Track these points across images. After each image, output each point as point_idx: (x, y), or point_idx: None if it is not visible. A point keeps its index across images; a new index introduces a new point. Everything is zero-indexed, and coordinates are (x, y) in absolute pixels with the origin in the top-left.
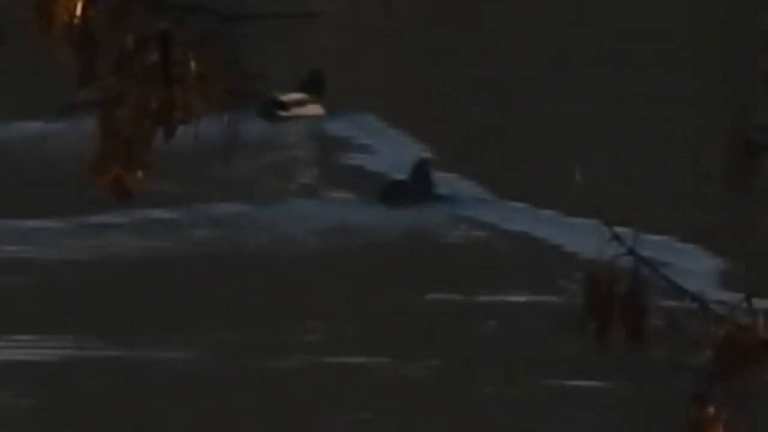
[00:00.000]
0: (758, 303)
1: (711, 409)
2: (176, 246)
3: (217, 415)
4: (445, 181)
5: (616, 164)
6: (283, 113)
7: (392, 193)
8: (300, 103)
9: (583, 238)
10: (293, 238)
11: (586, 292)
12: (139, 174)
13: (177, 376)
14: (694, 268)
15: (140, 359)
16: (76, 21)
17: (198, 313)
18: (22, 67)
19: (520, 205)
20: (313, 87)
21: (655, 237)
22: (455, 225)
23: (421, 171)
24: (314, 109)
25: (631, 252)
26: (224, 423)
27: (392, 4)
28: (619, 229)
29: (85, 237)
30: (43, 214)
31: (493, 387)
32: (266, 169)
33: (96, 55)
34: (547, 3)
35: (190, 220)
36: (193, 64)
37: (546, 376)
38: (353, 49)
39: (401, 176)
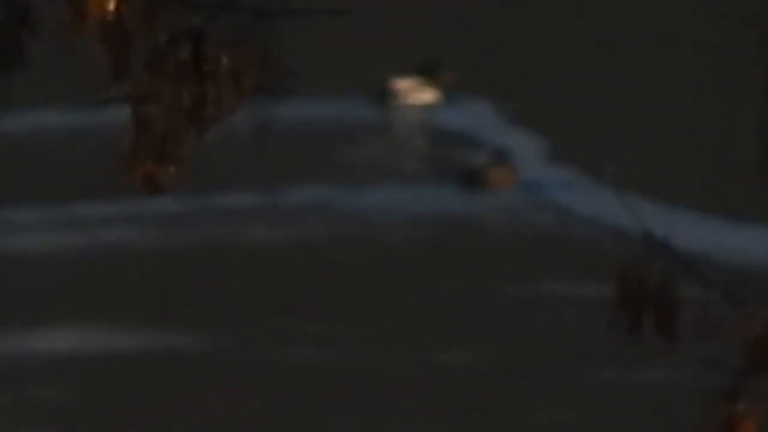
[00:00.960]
0: None
1: (742, 406)
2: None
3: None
4: (549, 169)
5: (659, 150)
6: (396, 100)
7: (472, 178)
8: (414, 91)
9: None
10: (363, 226)
11: (617, 287)
12: (172, 169)
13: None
14: (756, 249)
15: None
16: (108, 17)
17: (234, 300)
18: (53, 59)
19: (618, 193)
20: (428, 74)
21: (712, 220)
22: (533, 211)
23: (500, 157)
24: (428, 97)
25: (663, 248)
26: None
27: None
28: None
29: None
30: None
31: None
32: (367, 155)
33: (129, 52)
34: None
35: (267, 204)
36: (225, 60)
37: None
38: (467, 38)
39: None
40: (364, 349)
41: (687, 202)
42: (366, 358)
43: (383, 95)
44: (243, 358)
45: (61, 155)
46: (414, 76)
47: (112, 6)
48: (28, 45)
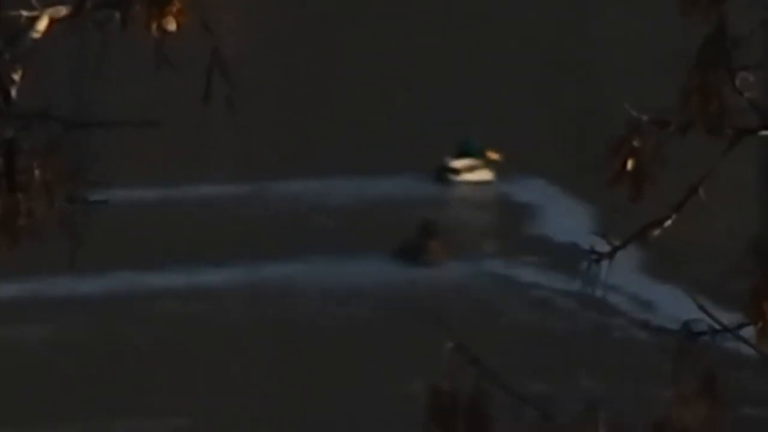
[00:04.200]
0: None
1: None
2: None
3: None
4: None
5: None
6: (454, 178)
7: (405, 252)
8: (470, 169)
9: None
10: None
11: (428, 401)
12: None
13: None
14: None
15: None
16: None
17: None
18: None
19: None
20: (471, 153)
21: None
22: (462, 285)
23: (428, 230)
24: (483, 174)
25: (475, 361)
26: None
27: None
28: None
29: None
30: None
31: None
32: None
33: None
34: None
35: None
36: (37, 171)
37: None
38: (510, 112)
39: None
40: None
41: None
42: None
43: (443, 173)
44: None
45: None
46: (462, 156)
47: None
48: None
